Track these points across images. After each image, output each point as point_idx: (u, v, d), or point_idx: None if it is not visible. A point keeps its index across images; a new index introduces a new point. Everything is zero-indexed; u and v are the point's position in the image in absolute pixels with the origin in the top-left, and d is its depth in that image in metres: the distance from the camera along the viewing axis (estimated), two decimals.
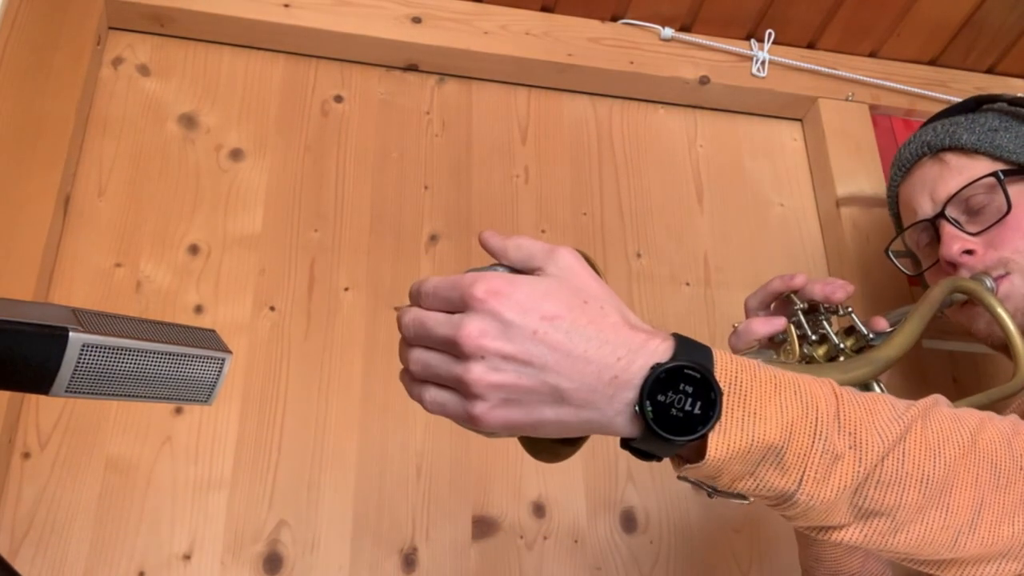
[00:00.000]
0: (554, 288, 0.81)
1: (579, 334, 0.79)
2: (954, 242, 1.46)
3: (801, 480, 0.81)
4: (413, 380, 0.85)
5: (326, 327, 1.72)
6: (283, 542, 1.55)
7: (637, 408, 0.80)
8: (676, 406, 0.79)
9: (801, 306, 1.25)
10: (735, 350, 1.27)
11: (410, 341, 0.84)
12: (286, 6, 1.87)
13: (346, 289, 1.75)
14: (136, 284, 1.67)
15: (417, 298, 0.84)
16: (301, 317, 1.71)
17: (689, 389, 0.79)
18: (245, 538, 1.54)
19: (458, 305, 0.80)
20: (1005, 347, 1.34)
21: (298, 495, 1.59)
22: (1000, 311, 1.32)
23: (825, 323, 1.28)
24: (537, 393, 0.79)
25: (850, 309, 1.24)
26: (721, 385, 0.79)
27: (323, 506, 1.59)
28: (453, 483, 1.66)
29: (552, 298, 0.80)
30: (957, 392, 1.82)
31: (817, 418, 0.81)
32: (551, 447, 0.94)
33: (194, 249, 1.71)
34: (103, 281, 1.66)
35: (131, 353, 0.86)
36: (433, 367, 0.81)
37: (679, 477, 0.85)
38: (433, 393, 0.82)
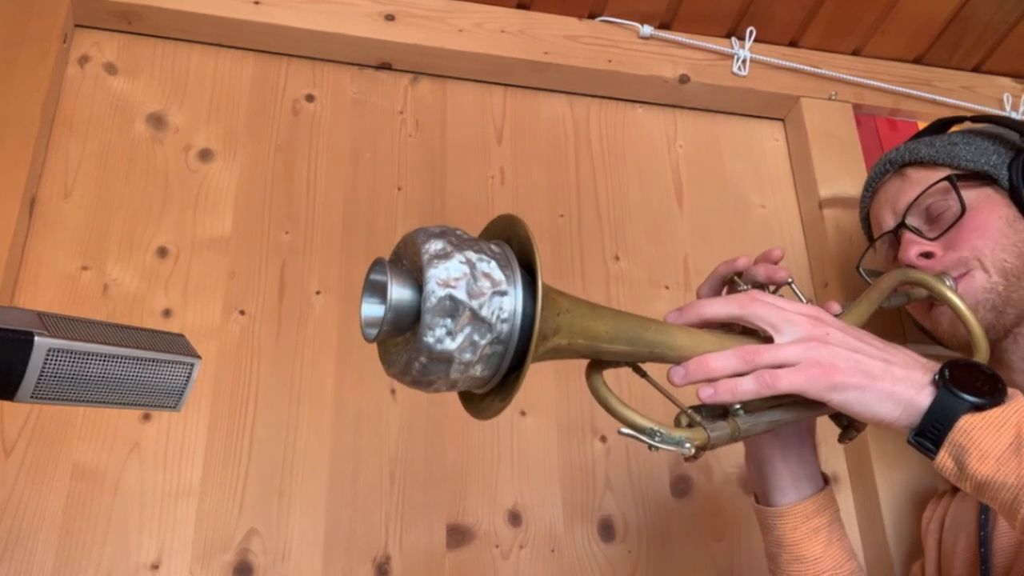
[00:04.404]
0: None
1: None
2: (911, 247, 1.53)
3: None
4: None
5: (297, 331, 1.73)
6: (253, 551, 1.57)
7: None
8: None
9: (744, 287, 1.28)
10: None
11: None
12: (256, 3, 1.88)
13: (318, 292, 1.77)
14: (103, 287, 1.68)
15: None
16: (272, 321, 1.73)
17: None
18: (214, 547, 1.56)
19: None
20: (967, 348, 1.39)
21: (269, 503, 1.60)
22: (950, 295, 1.41)
23: None
24: None
25: (791, 280, 1.27)
26: None
27: (294, 514, 1.61)
28: (427, 491, 1.68)
29: None
30: None
31: None
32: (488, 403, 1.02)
33: (162, 252, 1.73)
34: (69, 284, 1.67)
35: (98, 358, 0.88)
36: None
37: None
38: None
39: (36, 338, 0.84)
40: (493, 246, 0.97)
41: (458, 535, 1.66)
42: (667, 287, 1.94)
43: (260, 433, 1.64)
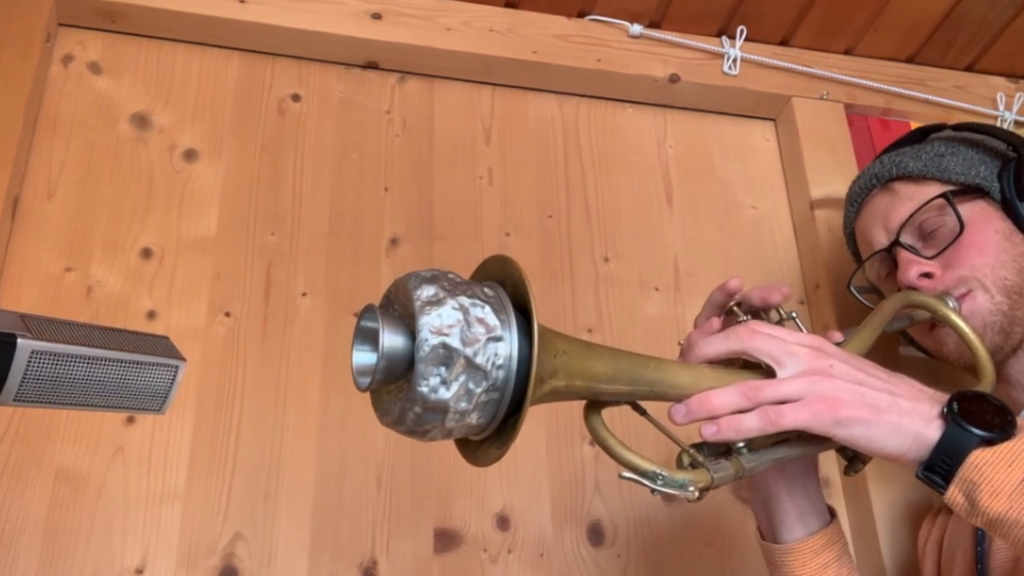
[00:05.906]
0: None
1: None
2: (911, 267, 1.51)
3: None
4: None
5: (283, 333, 1.73)
6: (239, 556, 1.57)
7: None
8: None
9: (744, 318, 1.27)
10: None
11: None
12: (242, 2, 1.88)
13: (304, 294, 1.77)
14: (87, 289, 1.68)
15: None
16: (257, 323, 1.73)
17: None
18: (199, 551, 1.56)
19: None
20: (972, 368, 1.39)
21: (254, 507, 1.61)
22: (956, 319, 1.39)
23: None
24: None
25: (794, 314, 1.27)
26: None
27: (280, 518, 1.61)
28: (415, 495, 1.68)
29: None
30: None
31: None
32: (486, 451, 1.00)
33: (147, 253, 1.73)
34: (52, 286, 1.67)
35: (82, 360, 0.88)
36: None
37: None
38: None
39: (19, 340, 0.84)
40: (487, 289, 0.96)
41: (446, 539, 1.66)
42: (657, 288, 1.95)
43: (245, 436, 1.65)
